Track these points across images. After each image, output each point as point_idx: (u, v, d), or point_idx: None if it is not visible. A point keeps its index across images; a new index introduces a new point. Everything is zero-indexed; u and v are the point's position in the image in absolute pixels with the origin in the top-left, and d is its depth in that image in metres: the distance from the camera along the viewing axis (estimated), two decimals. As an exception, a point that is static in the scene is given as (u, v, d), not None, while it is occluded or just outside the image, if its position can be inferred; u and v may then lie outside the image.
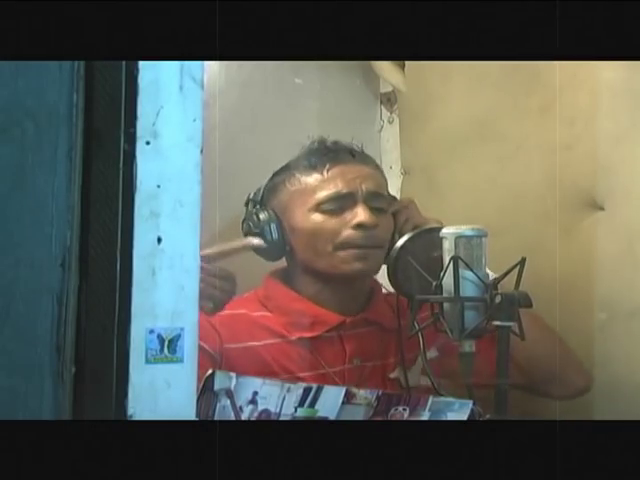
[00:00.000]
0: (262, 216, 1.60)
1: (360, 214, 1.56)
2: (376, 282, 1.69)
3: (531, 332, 1.38)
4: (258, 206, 1.62)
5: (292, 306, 1.62)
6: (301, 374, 1.55)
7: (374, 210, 1.58)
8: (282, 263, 1.68)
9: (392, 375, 1.61)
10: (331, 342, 1.60)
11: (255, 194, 1.64)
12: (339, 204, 1.57)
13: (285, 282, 1.66)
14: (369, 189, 1.59)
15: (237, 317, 1.58)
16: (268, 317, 1.61)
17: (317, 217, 1.57)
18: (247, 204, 1.65)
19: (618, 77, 1.73)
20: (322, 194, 1.57)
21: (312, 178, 1.59)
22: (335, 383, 1.54)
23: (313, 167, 1.59)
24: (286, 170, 1.63)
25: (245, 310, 1.61)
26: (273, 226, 1.59)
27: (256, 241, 1.58)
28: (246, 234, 1.62)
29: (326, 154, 1.61)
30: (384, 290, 1.69)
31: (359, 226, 1.56)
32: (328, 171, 1.58)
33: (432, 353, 1.60)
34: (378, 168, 1.67)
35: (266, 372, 1.49)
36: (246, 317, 1.60)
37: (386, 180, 1.67)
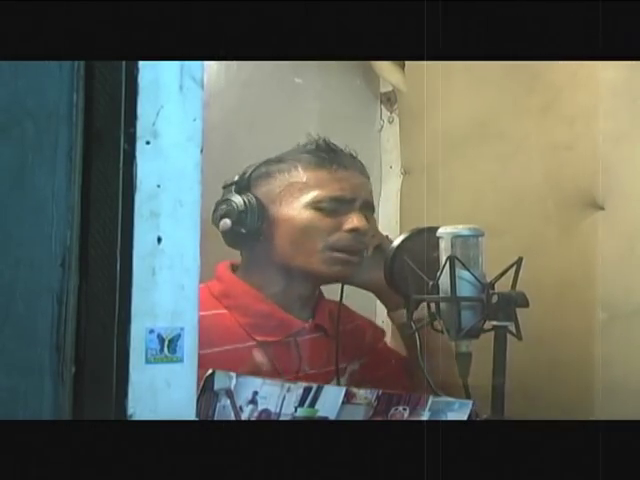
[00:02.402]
0: (244, 200, 1.55)
1: (356, 220, 1.55)
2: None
3: None
4: (242, 190, 1.57)
5: (256, 307, 1.57)
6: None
7: (366, 219, 1.58)
8: (235, 255, 1.64)
9: (331, 384, 1.54)
10: (288, 348, 1.56)
11: (240, 178, 1.59)
12: (339, 206, 1.55)
13: (245, 279, 1.60)
14: (367, 199, 1.60)
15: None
16: (224, 316, 1.55)
17: (312, 214, 1.55)
18: (227, 187, 1.60)
19: (618, 77, 1.73)
20: (325, 193, 1.55)
21: (318, 174, 1.56)
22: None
23: (320, 164, 1.57)
24: (285, 161, 1.59)
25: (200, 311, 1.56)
26: (254, 212, 1.54)
27: None
28: (222, 216, 1.56)
29: (331, 154, 1.59)
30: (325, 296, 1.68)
31: (353, 231, 1.55)
32: (336, 171, 1.57)
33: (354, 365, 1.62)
34: (369, 178, 1.67)
35: None
36: (202, 320, 1.53)
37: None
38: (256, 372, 1.49)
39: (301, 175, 1.57)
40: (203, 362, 1.43)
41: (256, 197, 1.56)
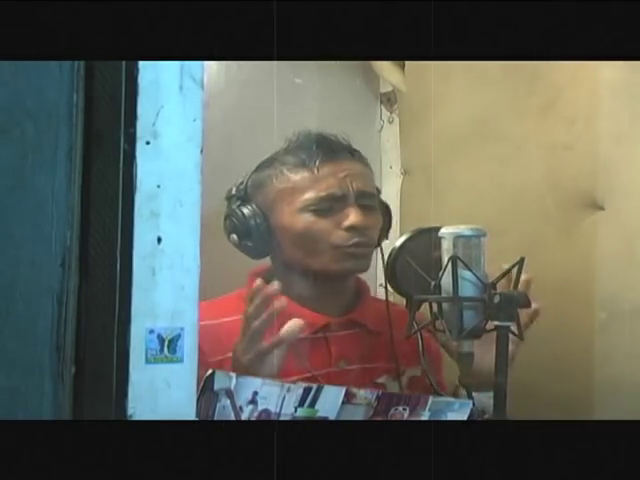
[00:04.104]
0: (247, 212, 1.55)
1: (352, 216, 1.52)
2: (364, 284, 1.66)
3: None
4: (242, 202, 1.56)
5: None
6: (286, 378, 1.47)
7: (364, 208, 1.54)
8: (266, 261, 1.64)
9: (380, 380, 1.56)
10: (317, 344, 1.55)
11: (238, 189, 1.59)
12: (330, 205, 1.52)
13: (268, 282, 1.59)
14: (359, 188, 1.55)
15: (216, 328, 1.51)
16: None
17: (307, 217, 1.52)
18: (229, 199, 1.60)
19: (618, 77, 1.74)
20: (313, 194, 1.52)
21: (301, 176, 1.53)
22: None
23: (302, 164, 1.54)
24: (272, 165, 1.57)
25: (225, 317, 1.54)
26: (259, 223, 1.54)
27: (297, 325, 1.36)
28: (230, 231, 1.57)
29: (315, 149, 1.55)
30: (374, 295, 1.67)
31: (351, 228, 1.52)
32: (319, 170, 1.53)
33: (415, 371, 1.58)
34: (364, 162, 1.62)
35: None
36: (226, 325, 1.52)
37: (373, 173, 1.63)
38: (285, 371, 1.46)
39: (286, 180, 1.55)
40: (229, 365, 1.43)
41: (255, 208, 1.55)
